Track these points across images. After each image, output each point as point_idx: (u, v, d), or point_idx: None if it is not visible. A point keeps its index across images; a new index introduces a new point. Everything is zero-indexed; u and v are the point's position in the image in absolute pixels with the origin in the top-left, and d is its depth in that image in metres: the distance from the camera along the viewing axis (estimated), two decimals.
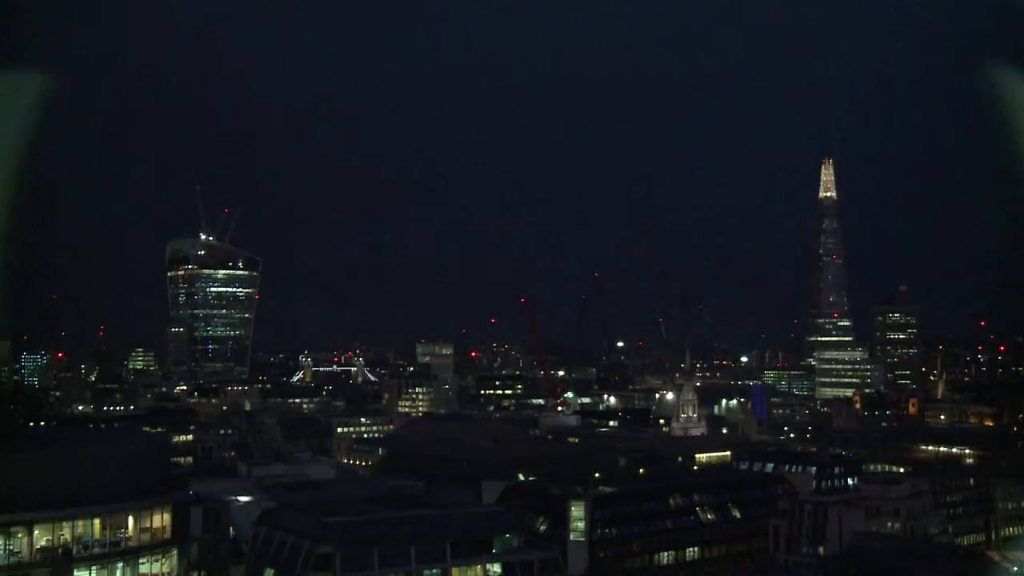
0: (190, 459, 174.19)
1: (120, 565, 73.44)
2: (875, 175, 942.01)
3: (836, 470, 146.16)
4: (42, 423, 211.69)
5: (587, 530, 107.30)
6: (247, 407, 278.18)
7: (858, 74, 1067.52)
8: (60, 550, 70.94)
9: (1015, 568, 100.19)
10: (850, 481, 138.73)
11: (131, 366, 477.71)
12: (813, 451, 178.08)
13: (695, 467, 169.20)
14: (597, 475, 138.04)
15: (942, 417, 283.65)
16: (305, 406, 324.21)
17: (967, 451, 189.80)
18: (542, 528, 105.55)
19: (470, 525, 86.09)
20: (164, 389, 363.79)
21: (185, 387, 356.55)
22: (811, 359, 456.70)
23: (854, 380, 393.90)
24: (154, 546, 75.39)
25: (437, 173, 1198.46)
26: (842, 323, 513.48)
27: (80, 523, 71.92)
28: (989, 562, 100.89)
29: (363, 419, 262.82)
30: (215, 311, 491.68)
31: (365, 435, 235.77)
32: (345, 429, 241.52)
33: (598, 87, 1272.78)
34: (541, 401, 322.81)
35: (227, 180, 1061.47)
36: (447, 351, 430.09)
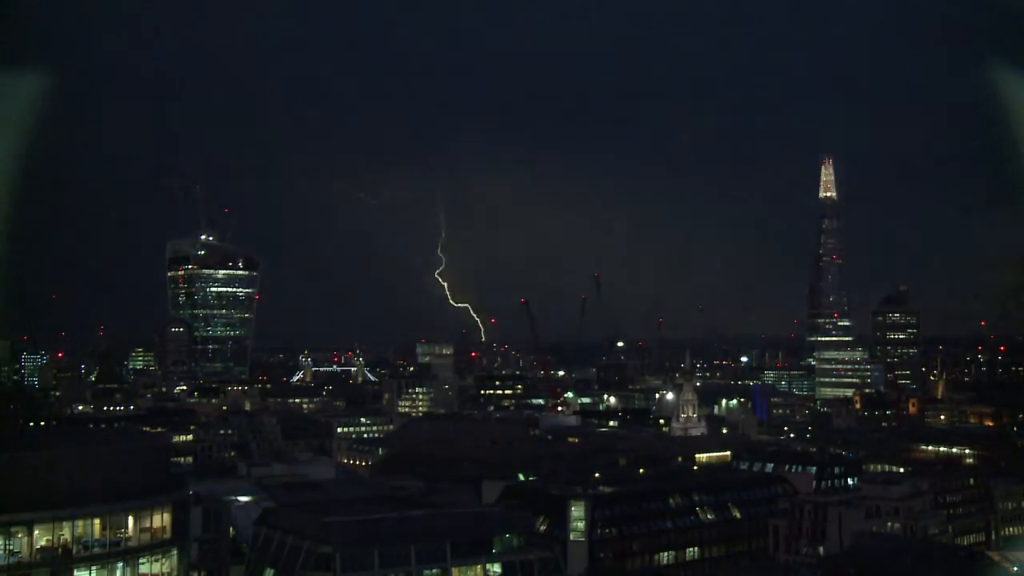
0: (190, 459, 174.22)
1: (120, 565, 73.40)
2: (875, 175, 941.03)
3: (836, 470, 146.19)
4: (42, 423, 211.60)
5: (587, 530, 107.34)
6: (247, 407, 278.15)
7: (858, 73, 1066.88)
8: (60, 550, 70.91)
9: (1015, 568, 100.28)
10: (850, 481, 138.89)
11: (131, 366, 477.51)
12: (813, 451, 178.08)
13: (695, 467, 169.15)
14: (597, 475, 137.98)
15: (942, 417, 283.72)
16: (305, 406, 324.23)
17: (967, 451, 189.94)
18: (542, 528, 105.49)
19: (470, 525, 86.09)
20: (164, 389, 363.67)
21: (185, 387, 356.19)
22: (811, 359, 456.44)
23: (854, 380, 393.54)
24: (154, 546, 75.35)
25: (438, 173, 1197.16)
26: (842, 323, 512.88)
27: (80, 523, 71.83)
28: (989, 562, 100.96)
29: (363, 419, 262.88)
30: (215, 311, 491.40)
31: (365, 435, 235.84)
32: (345, 429, 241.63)
33: (597, 86, 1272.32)
34: (541, 401, 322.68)
35: (227, 180, 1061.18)
36: (447, 351, 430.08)
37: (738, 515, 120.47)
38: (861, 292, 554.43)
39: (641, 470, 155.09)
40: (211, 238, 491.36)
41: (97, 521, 72.88)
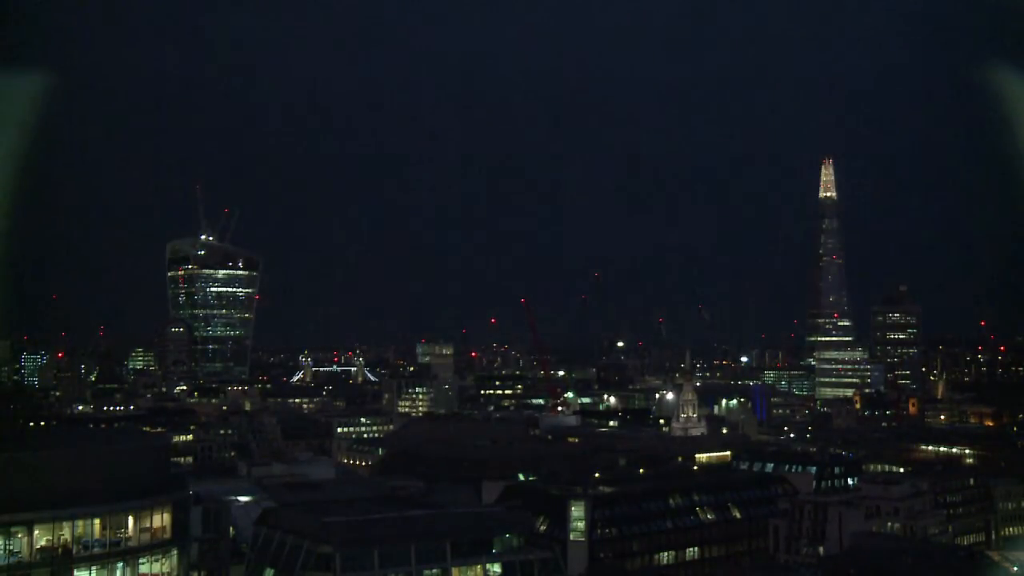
0: (190, 459, 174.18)
1: (120, 565, 73.28)
2: (875, 175, 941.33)
3: (836, 470, 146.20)
4: (42, 423, 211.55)
5: (587, 530, 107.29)
6: (247, 407, 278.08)
7: (858, 73, 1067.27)
8: (60, 550, 70.81)
9: (1015, 568, 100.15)
10: (850, 481, 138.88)
11: (131, 366, 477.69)
12: (813, 451, 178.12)
13: (695, 467, 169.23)
14: (597, 475, 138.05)
15: (942, 417, 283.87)
16: (305, 406, 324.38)
17: (967, 451, 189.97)
18: (542, 528, 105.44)
19: (470, 525, 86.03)
20: (164, 389, 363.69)
21: (185, 387, 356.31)
22: (811, 359, 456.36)
23: (854, 380, 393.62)
24: (154, 546, 75.22)
25: (438, 173, 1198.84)
26: (842, 323, 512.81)
27: (80, 523, 71.67)
28: (989, 562, 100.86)
29: (363, 419, 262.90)
30: (215, 311, 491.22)
31: (365, 435, 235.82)
32: (345, 429, 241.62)
33: (598, 87, 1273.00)
34: (541, 401, 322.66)
35: (227, 180, 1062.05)
36: (447, 351, 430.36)
37: (738, 515, 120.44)
38: (861, 292, 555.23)
39: (641, 470, 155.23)
40: (211, 238, 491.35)
41: (97, 521, 72.76)
